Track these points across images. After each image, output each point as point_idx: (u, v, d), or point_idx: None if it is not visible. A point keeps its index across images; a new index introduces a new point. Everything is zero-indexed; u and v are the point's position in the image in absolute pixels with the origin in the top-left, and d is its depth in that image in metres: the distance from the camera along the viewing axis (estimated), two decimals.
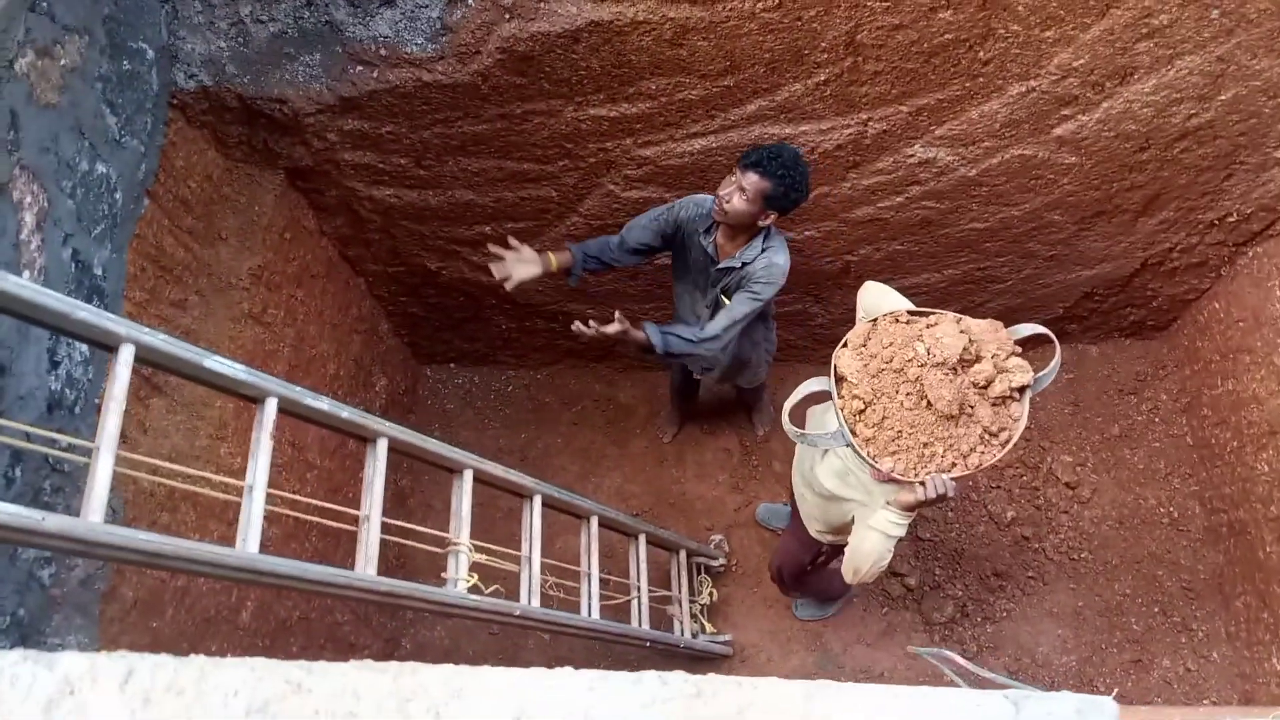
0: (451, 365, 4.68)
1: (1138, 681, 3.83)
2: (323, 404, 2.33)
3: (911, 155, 3.20)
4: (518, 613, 2.77)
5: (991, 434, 2.10)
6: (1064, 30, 2.82)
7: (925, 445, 2.11)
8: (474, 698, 0.99)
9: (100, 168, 2.50)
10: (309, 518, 2.46)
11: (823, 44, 2.77)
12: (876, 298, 2.50)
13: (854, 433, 2.15)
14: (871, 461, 2.13)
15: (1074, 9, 2.75)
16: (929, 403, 2.07)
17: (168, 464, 2.03)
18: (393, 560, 3.83)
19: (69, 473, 2.37)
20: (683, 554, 4.00)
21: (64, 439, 1.87)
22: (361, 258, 3.76)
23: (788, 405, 2.23)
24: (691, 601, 3.96)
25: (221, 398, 2.85)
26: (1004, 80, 2.98)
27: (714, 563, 4.14)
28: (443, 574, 2.75)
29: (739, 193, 2.69)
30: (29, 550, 2.27)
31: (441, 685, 0.99)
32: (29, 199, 2.24)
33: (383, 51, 2.85)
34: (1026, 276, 3.93)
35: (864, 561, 2.49)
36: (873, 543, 2.45)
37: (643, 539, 3.67)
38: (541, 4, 2.66)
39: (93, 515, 1.72)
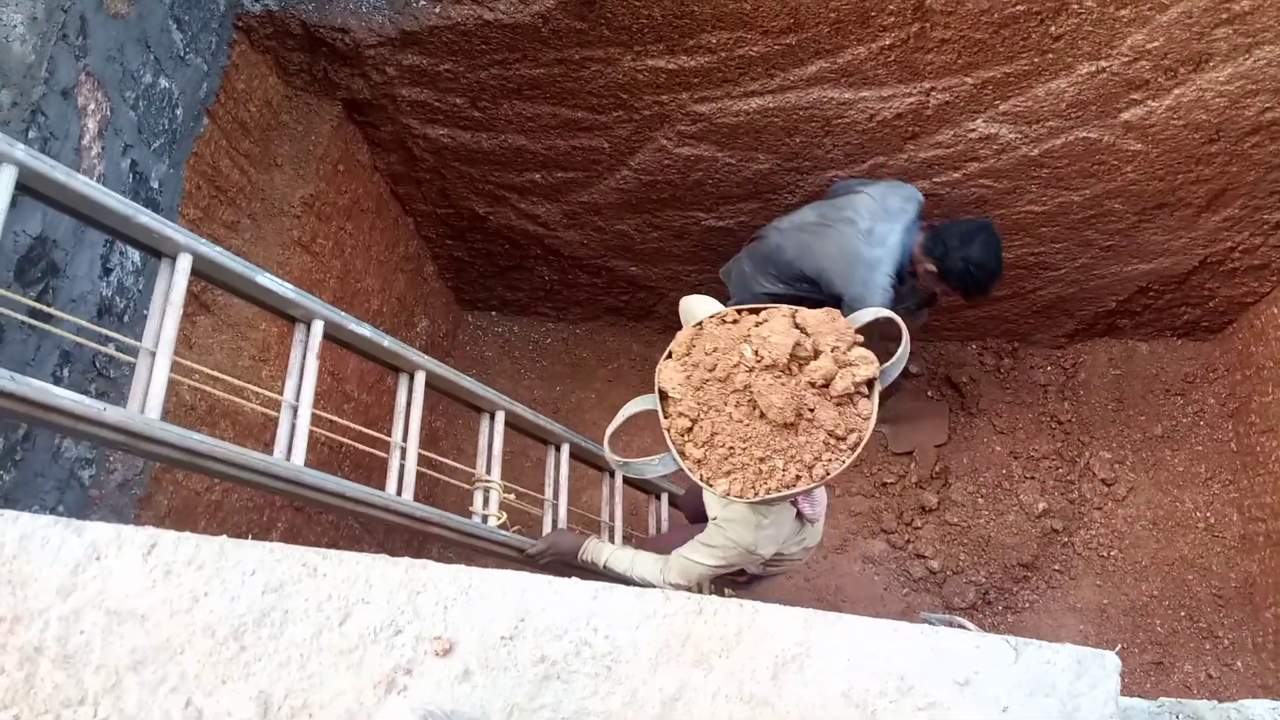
0: (493, 313, 4.72)
1: (1157, 683, 3.78)
2: (365, 330, 2.37)
3: (973, 130, 3.14)
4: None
5: (838, 438, 1.83)
6: (1140, 10, 2.74)
7: (762, 460, 1.82)
8: (481, 597, 1.01)
9: (163, 82, 2.54)
10: (345, 441, 2.51)
11: (890, 6, 2.72)
12: (691, 309, 2.08)
13: (683, 454, 1.86)
14: (705, 484, 1.85)
15: None
16: (762, 412, 1.82)
17: (216, 374, 2.08)
18: (422, 497, 3.88)
19: (114, 378, 2.43)
20: None
21: (118, 338, 1.92)
22: (411, 196, 3.78)
23: (609, 431, 1.99)
24: None
25: (266, 320, 2.90)
26: (1074, 58, 2.91)
27: None
28: (470, 509, 2.80)
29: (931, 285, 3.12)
30: (72, 449, 2.34)
31: (451, 582, 1.01)
32: (92, 106, 2.29)
33: None
34: (1081, 266, 3.85)
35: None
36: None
37: (665, 498, 3.69)
38: None
39: (150, 412, 1.78)
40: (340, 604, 1.00)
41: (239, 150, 2.91)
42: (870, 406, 1.85)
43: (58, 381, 2.26)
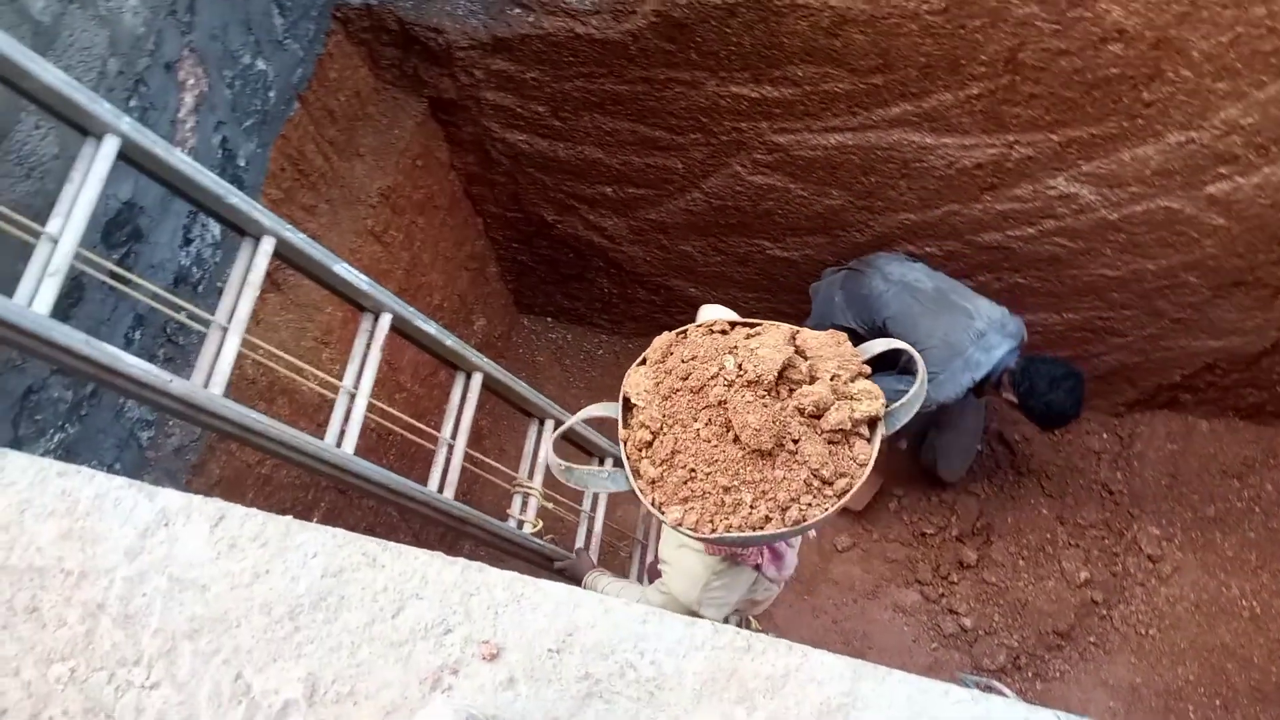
0: (549, 319, 4.75)
1: None
2: (431, 328, 2.40)
3: (1053, 187, 3.10)
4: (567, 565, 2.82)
5: (823, 481, 1.53)
6: (1237, 85, 2.69)
7: (727, 491, 1.53)
8: (532, 606, 1.01)
9: (260, 64, 2.61)
10: (394, 429, 2.54)
11: (982, 56, 2.70)
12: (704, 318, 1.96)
13: (637, 472, 1.58)
14: (655, 510, 1.56)
15: (1252, 64, 2.62)
16: (735, 435, 1.54)
17: (280, 353, 2.12)
18: (460, 492, 3.92)
19: (182, 345, 2.49)
20: None
21: (192, 309, 1.97)
22: (483, 197, 3.83)
23: (557, 432, 1.84)
24: None
25: (333, 305, 2.95)
26: (1164, 126, 2.86)
27: None
28: (508, 512, 2.82)
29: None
30: (134, 411, 2.40)
31: (504, 588, 1.02)
32: (192, 81, 2.36)
33: None
34: (1149, 335, 3.77)
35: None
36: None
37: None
38: None
39: (214, 387, 1.82)
40: (395, 597, 1.02)
41: (324, 137, 2.98)
42: (869, 451, 1.56)
43: (129, 343, 2.32)
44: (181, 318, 1.96)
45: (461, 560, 1.04)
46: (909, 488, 4.15)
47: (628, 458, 1.59)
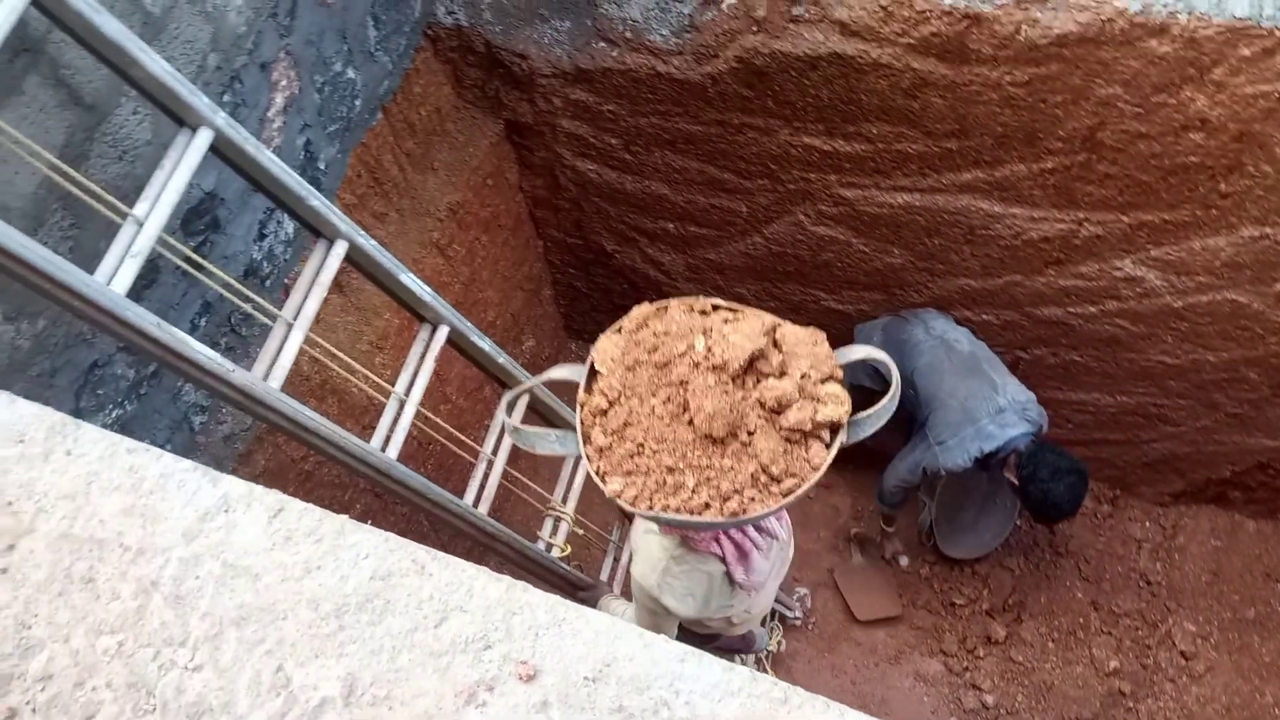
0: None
1: None
2: (485, 344, 2.44)
3: (1119, 269, 3.08)
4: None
5: (771, 478, 1.49)
6: None
7: (670, 471, 1.52)
8: (573, 632, 1.02)
9: (350, 73, 2.68)
10: (436, 439, 2.56)
11: (1060, 132, 2.70)
12: None
13: (587, 439, 1.59)
14: (598, 479, 1.56)
15: None
16: (690, 417, 1.52)
17: (337, 352, 2.16)
18: (492, 508, 3.94)
19: (244, 336, 2.55)
20: None
21: (261, 302, 2.02)
22: (547, 221, 3.88)
23: (514, 392, 1.82)
24: None
25: (390, 311, 3.00)
26: (1238, 219, 2.83)
27: (790, 613, 4.07)
28: (538, 533, 2.83)
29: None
30: (190, 395, 2.45)
31: (547, 610, 1.03)
32: (284, 82, 2.43)
33: (628, 34, 2.95)
34: (1203, 428, 3.70)
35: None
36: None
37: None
38: (791, 25, 2.70)
39: (273, 381, 1.86)
40: (440, 607, 1.03)
41: (402, 149, 3.04)
42: (824, 457, 1.51)
43: (194, 329, 2.38)
44: (250, 310, 2.00)
45: (507, 578, 1.05)
46: (941, 555, 4.09)
47: (581, 422, 1.58)
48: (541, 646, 1.01)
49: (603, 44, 3.00)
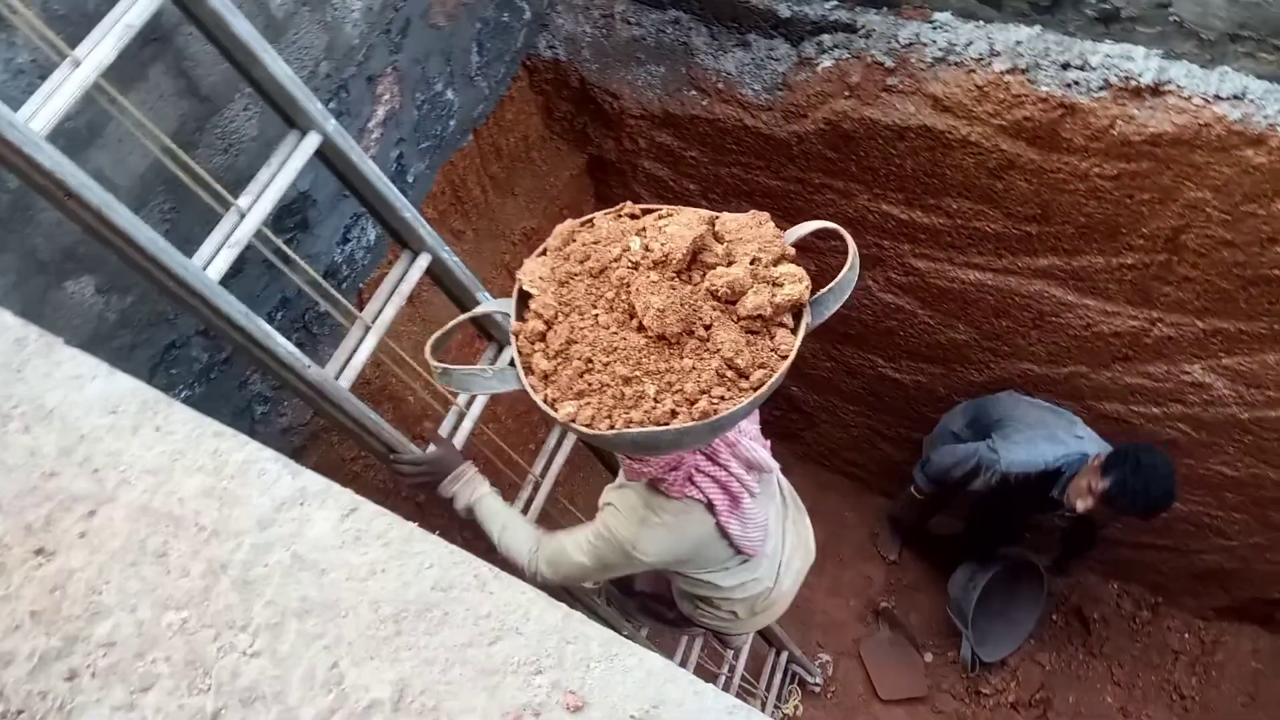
0: None
1: None
2: None
3: (1188, 373, 3.03)
4: (624, 633, 2.80)
5: (738, 372, 1.36)
6: None
7: (627, 382, 1.38)
8: (624, 669, 1.02)
9: (449, 94, 2.76)
10: (489, 455, 2.59)
11: (1144, 230, 2.68)
12: None
13: (529, 369, 1.44)
14: (547, 408, 1.41)
15: None
16: (639, 322, 1.39)
17: (406, 357, 2.20)
18: None
19: (315, 334, 2.61)
20: (784, 656, 3.90)
21: (344, 302, 2.07)
22: None
23: (439, 334, 1.61)
24: (776, 707, 3.85)
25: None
26: None
27: (810, 679, 4.01)
28: None
29: (1101, 511, 3.01)
30: (257, 385, 2.51)
31: (601, 645, 1.03)
32: (387, 96, 2.51)
33: (720, 85, 3.00)
34: (1255, 545, 3.61)
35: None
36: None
37: None
38: (884, 94, 2.73)
39: (344, 381, 1.90)
40: (496, 625, 1.04)
41: (487, 171, 3.11)
42: (791, 343, 1.39)
43: (270, 321, 2.44)
44: (331, 310, 2.05)
45: (564, 606, 1.06)
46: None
47: (519, 352, 1.45)
48: (592, 679, 1.02)
49: (694, 92, 3.06)
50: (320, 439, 2.71)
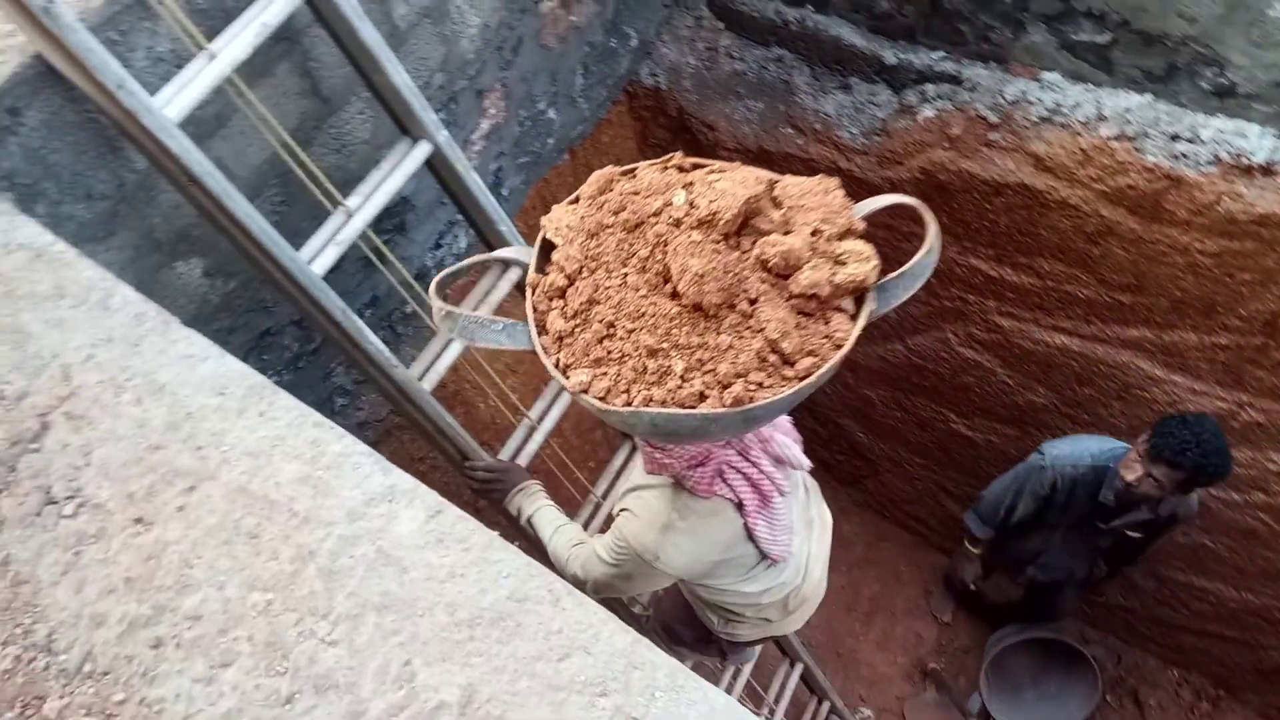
0: None
1: None
2: None
3: (1273, 461, 2.93)
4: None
5: (782, 358, 1.16)
6: None
7: (652, 354, 1.18)
8: (689, 702, 1.02)
9: (551, 114, 2.81)
10: (552, 469, 2.62)
11: (1241, 310, 2.61)
12: None
13: (543, 328, 1.27)
14: (557, 373, 1.26)
15: None
16: (673, 287, 1.19)
17: (485, 364, 2.25)
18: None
19: (399, 334, 2.67)
20: (825, 706, 3.83)
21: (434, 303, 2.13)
22: None
23: (445, 272, 1.43)
24: None
25: None
26: None
27: None
28: None
29: (1150, 481, 2.71)
30: (340, 377, 2.58)
31: (667, 674, 1.04)
32: (493, 111, 2.57)
33: (817, 126, 3.01)
34: None
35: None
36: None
37: (799, 669, 3.56)
38: (984, 148, 2.70)
39: (426, 383, 1.95)
40: (566, 642, 1.05)
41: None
42: (848, 331, 1.19)
43: (360, 317, 2.51)
44: (421, 312, 2.11)
45: (634, 632, 1.07)
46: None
47: (534, 308, 1.27)
48: (655, 708, 1.02)
49: (790, 130, 3.07)
50: (393, 436, 2.77)
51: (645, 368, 1.19)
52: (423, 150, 1.86)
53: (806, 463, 1.68)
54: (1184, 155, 2.43)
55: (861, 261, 1.21)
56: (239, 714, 1.04)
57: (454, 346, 2.07)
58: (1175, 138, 2.44)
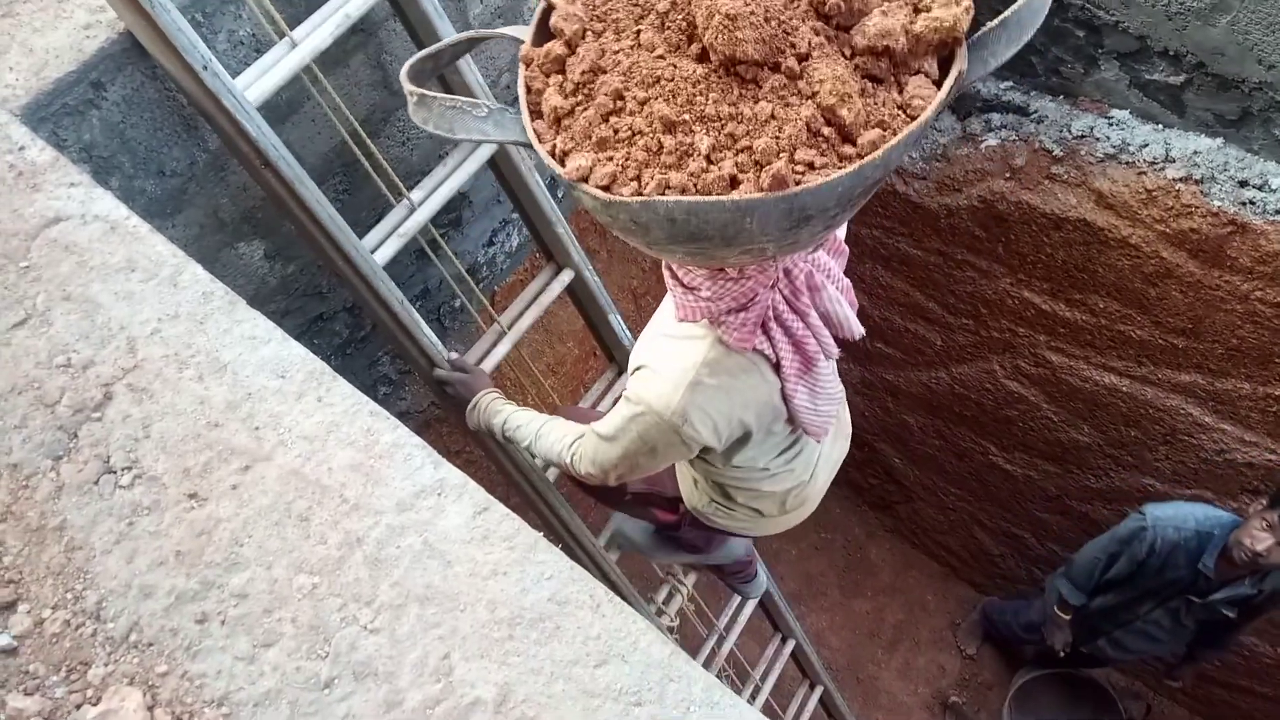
0: None
1: None
2: None
3: None
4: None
5: (839, 129, 0.91)
6: None
7: (670, 129, 0.93)
8: (721, 717, 1.02)
9: None
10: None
11: None
12: None
13: (537, 112, 1.01)
14: (553, 161, 0.98)
15: None
16: (701, 46, 0.94)
17: (531, 364, 2.26)
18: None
19: (446, 328, 2.69)
20: None
21: (484, 302, 2.15)
22: None
23: (422, 54, 1.15)
24: None
25: (574, 341, 3.11)
26: None
27: None
28: (651, 596, 2.83)
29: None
30: (385, 366, 2.61)
31: (704, 689, 1.04)
32: None
33: None
34: None
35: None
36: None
37: (819, 692, 3.54)
38: (1046, 181, 2.67)
39: None
40: (603, 648, 1.05)
41: None
42: (929, 98, 0.92)
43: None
44: (470, 307, 2.12)
45: (674, 644, 1.07)
46: None
47: (527, 88, 1.02)
48: None
49: None
50: (432, 427, 2.79)
51: (661, 146, 0.93)
52: (487, 149, 1.87)
53: (859, 329, 1.41)
54: (1251, 202, 2.39)
55: (949, 5, 0.92)
56: (278, 694, 1.05)
57: (503, 346, 2.08)
58: (1244, 184, 2.39)
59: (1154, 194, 2.48)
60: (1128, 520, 2.90)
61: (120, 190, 1.61)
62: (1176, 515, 2.79)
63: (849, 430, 1.84)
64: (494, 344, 2.07)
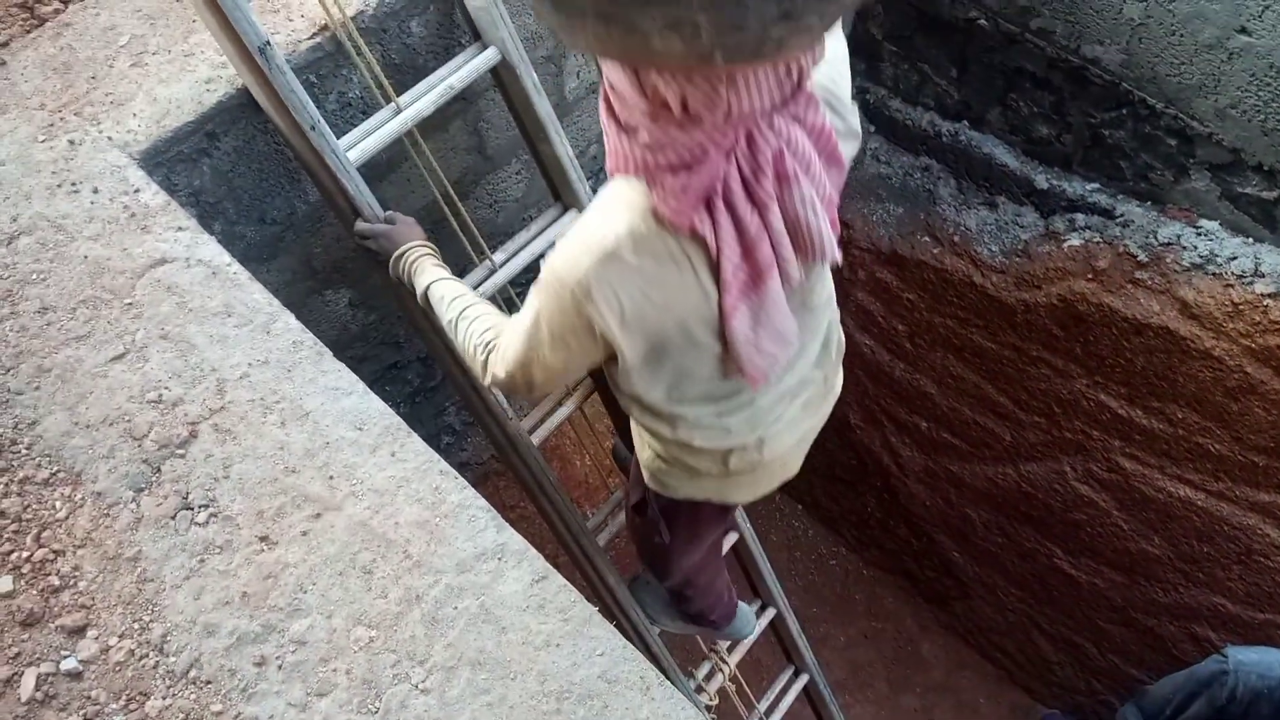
0: (800, 506, 4.72)
1: None
2: None
3: None
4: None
5: None
6: None
7: None
8: None
9: None
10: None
11: None
12: None
13: None
14: None
15: None
16: None
17: (594, 435, 2.28)
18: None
19: None
20: None
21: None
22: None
23: None
24: None
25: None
26: None
27: None
28: (691, 670, 2.79)
29: None
30: (451, 416, 2.66)
31: None
32: None
33: (956, 238, 2.99)
34: None
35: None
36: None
37: None
38: (1129, 285, 2.63)
39: (535, 438, 2.00)
40: None
41: None
42: None
43: None
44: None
45: None
46: None
47: None
48: None
49: (927, 239, 3.06)
50: (489, 481, 2.83)
51: None
52: (570, 217, 1.92)
53: (835, 254, 1.16)
54: None
55: None
56: None
57: (565, 407, 2.11)
58: None
59: (1240, 308, 2.43)
60: (1208, 661, 2.73)
61: (222, 234, 1.69)
62: (1262, 661, 2.62)
63: (836, 394, 1.52)
64: (556, 405, 2.09)
